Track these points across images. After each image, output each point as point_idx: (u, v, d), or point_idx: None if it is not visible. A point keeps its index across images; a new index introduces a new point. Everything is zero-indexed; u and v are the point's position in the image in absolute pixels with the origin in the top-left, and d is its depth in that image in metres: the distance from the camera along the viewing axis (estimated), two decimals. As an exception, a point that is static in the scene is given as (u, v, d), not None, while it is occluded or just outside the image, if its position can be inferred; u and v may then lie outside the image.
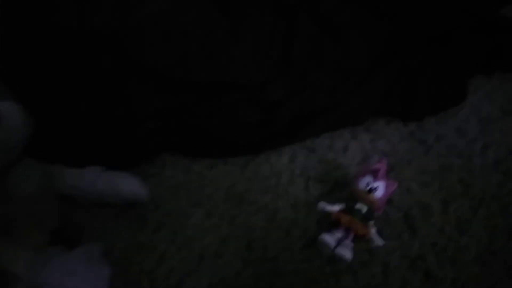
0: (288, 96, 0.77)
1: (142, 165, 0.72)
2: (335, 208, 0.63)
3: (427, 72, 0.81)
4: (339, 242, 0.61)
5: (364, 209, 0.62)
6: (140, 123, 0.74)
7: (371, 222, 0.62)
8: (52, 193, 0.63)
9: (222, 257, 0.63)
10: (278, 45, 0.80)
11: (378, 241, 0.61)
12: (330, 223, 0.63)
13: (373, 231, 0.62)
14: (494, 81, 0.85)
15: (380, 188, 0.63)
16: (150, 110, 0.74)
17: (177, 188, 0.69)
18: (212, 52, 0.77)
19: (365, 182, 0.63)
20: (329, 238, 0.60)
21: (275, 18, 0.82)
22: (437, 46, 0.83)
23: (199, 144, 0.72)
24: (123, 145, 0.73)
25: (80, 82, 0.74)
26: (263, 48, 0.80)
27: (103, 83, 0.74)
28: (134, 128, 0.74)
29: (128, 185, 0.65)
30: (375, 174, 0.64)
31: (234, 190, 0.68)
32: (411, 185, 0.71)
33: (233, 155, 0.71)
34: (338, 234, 0.61)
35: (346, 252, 0.59)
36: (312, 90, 0.78)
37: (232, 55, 0.77)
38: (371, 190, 0.62)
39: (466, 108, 0.81)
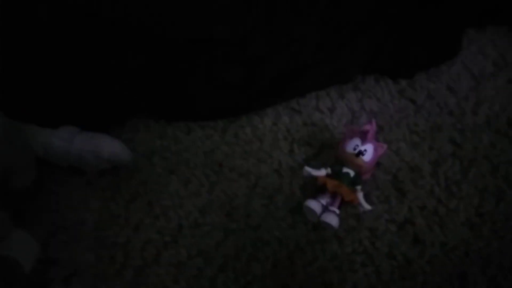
0: (271, 52, 0.70)
1: (113, 129, 0.67)
2: (321, 172, 0.59)
3: (418, 27, 0.76)
4: (325, 209, 0.58)
5: (352, 173, 0.59)
6: (113, 82, 0.68)
7: (359, 187, 0.59)
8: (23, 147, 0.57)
9: (201, 227, 0.60)
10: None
11: (366, 206, 0.59)
12: (316, 188, 0.60)
13: (360, 196, 0.59)
14: (487, 35, 0.81)
15: (368, 151, 0.59)
16: (124, 70, 0.69)
17: (151, 154, 0.64)
18: (189, 6, 0.70)
19: (353, 144, 0.59)
20: (315, 205, 0.57)
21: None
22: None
23: (175, 106, 0.67)
24: (95, 105, 0.68)
25: (52, 40, 0.67)
26: (244, -1, 0.74)
27: (77, 41, 0.68)
28: (107, 87, 0.68)
29: (110, 146, 0.60)
30: (363, 136, 0.60)
31: (213, 155, 0.64)
32: (400, 146, 0.68)
33: (212, 118, 0.67)
34: (324, 200, 0.58)
35: (332, 219, 0.57)
36: (298, 45, 0.72)
37: (210, 8, 0.71)
38: (359, 154, 0.59)
39: (458, 64, 0.77)
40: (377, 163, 0.65)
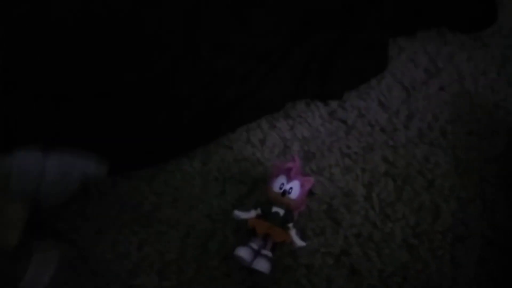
0: (195, 91, 0.70)
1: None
2: (250, 215, 0.58)
3: (344, 44, 0.75)
4: (257, 253, 0.57)
5: (281, 212, 0.58)
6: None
7: (291, 225, 0.58)
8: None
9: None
10: (180, 32, 0.73)
11: (299, 244, 0.57)
12: (247, 231, 0.58)
13: (293, 234, 0.58)
14: (417, 41, 0.80)
15: (295, 188, 0.58)
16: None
17: (75, 213, 0.62)
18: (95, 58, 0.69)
19: (278, 183, 0.58)
20: (244, 252, 0.56)
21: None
22: (352, 14, 0.77)
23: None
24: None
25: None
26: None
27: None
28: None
29: (83, 161, 0.56)
30: (288, 173, 0.59)
31: (141, 208, 0.62)
32: (333, 172, 0.67)
33: (137, 167, 0.65)
34: (256, 244, 0.57)
35: (262, 265, 0.55)
36: (221, 80, 0.71)
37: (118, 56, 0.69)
38: (285, 193, 0.58)
39: (389, 77, 0.76)
40: (311, 193, 0.64)
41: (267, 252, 0.57)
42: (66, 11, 0.69)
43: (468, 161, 0.66)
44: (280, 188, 0.58)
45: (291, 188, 0.58)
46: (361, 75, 0.75)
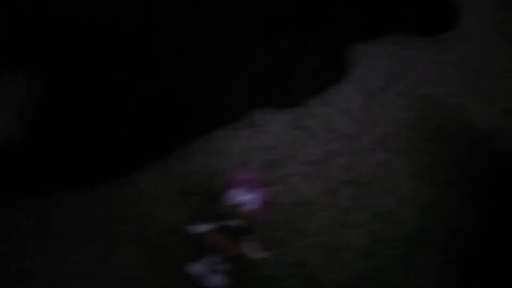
0: (150, 101, 0.68)
1: None
2: (205, 228, 0.57)
3: (304, 51, 0.75)
4: (212, 269, 0.56)
5: (238, 225, 0.57)
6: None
7: (248, 237, 0.57)
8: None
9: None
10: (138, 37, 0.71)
11: (255, 256, 0.57)
12: (202, 246, 0.57)
13: (249, 246, 0.57)
14: (377, 46, 0.80)
15: (252, 200, 0.57)
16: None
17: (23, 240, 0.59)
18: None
19: (235, 196, 0.57)
20: (197, 269, 0.55)
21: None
22: (314, 21, 0.77)
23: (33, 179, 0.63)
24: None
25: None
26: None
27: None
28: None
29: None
30: (245, 186, 0.58)
31: (91, 225, 0.60)
32: (295, 180, 0.67)
33: (88, 184, 0.63)
34: (209, 260, 0.56)
35: (217, 280, 0.54)
36: (178, 89, 0.69)
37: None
38: (242, 205, 0.57)
39: (350, 83, 0.77)
40: (273, 203, 0.63)
41: (224, 266, 0.56)
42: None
43: (427, 166, 0.67)
44: (237, 201, 0.57)
45: (248, 200, 0.57)
46: (323, 82, 0.76)
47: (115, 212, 0.62)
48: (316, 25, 0.76)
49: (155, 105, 0.67)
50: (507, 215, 0.62)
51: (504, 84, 0.76)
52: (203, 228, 0.57)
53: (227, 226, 0.57)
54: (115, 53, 0.66)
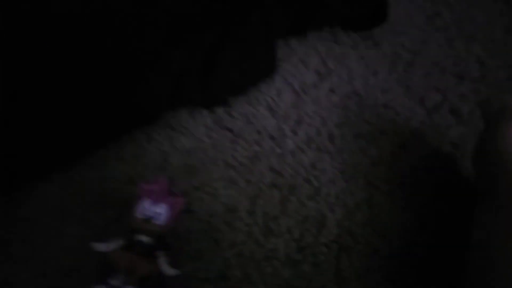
0: (63, 106, 0.61)
1: None
2: (111, 246, 0.51)
3: (227, 45, 0.71)
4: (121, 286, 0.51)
5: (147, 240, 0.51)
6: None
7: (160, 253, 0.52)
8: None
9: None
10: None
11: (169, 272, 0.51)
12: (108, 265, 0.52)
13: (161, 262, 0.51)
14: (308, 42, 0.77)
15: (162, 212, 0.52)
16: None
17: None
18: None
19: (142, 208, 0.52)
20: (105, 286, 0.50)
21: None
22: (239, 13, 0.72)
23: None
24: None
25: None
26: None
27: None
28: None
29: None
30: (155, 196, 0.53)
31: None
32: (217, 187, 0.62)
33: None
34: (116, 281, 0.50)
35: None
36: (82, 89, 0.62)
37: None
38: (150, 219, 0.52)
39: (279, 79, 0.72)
40: (188, 211, 0.59)
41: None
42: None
43: (355, 165, 0.64)
44: (145, 214, 0.52)
45: (157, 212, 0.52)
46: (248, 79, 0.71)
47: (16, 228, 0.55)
48: (242, 18, 0.72)
49: (63, 108, 0.60)
50: (435, 214, 0.60)
51: (435, 79, 0.75)
52: (109, 245, 0.51)
53: (135, 242, 0.52)
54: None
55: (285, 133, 0.67)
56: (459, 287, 0.50)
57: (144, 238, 0.51)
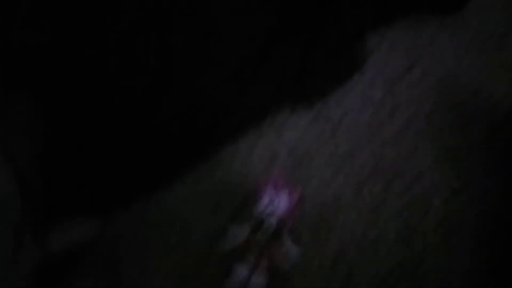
0: (173, 111, 0.70)
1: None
2: (244, 231, 0.59)
3: (320, 44, 0.75)
4: (251, 271, 0.58)
5: (273, 226, 0.59)
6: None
7: (284, 237, 0.59)
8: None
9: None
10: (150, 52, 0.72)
11: (294, 252, 0.59)
12: (241, 250, 0.60)
13: (287, 244, 0.59)
14: (396, 29, 0.79)
15: (282, 202, 0.59)
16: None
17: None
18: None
19: (265, 199, 0.59)
20: (240, 272, 0.57)
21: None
22: (325, 15, 0.76)
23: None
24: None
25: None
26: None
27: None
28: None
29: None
30: (273, 188, 0.59)
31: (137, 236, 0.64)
32: (323, 175, 0.67)
33: (130, 201, 0.66)
34: (250, 262, 0.57)
35: (258, 282, 0.57)
36: (197, 96, 0.70)
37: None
38: (273, 209, 0.59)
39: (371, 69, 0.75)
40: (303, 198, 0.65)
41: (263, 267, 0.58)
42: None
43: (454, 149, 0.66)
44: (268, 204, 0.59)
45: (278, 202, 0.59)
46: (341, 73, 0.75)
47: (159, 224, 0.64)
48: (326, 21, 0.75)
49: (178, 119, 0.69)
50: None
51: (531, 53, 0.74)
52: (242, 231, 0.59)
53: (263, 228, 0.59)
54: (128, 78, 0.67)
55: (382, 120, 0.70)
56: None
57: (270, 224, 0.59)
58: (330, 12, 0.73)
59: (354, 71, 0.73)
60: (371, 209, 0.63)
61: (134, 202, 0.64)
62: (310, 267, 0.61)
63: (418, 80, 0.74)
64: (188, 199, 0.66)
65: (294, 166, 0.68)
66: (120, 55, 0.68)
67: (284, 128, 0.72)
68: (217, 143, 0.70)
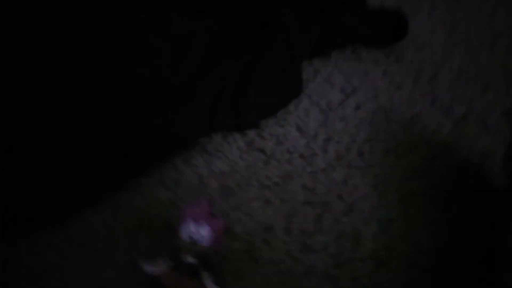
0: (95, 135, 0.65)
1: None
2: (161, 267, 0.54)
3: (255, 70, 0.74)
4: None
5: (193, 261, 0.54)
6: None
7: (205, 274, 0.55)
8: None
9: None
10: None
11: (214, 292, 0.55)
12: (157, 286, 0.55)
13: (207, 282, 0.54)
14: (332, 61, 0.80)
15: (205, 234, 0.55)
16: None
17: None
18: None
19: (187, 230, 0.55)
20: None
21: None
22: (263, 40, 0.75)
23: None
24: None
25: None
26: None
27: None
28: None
29: None
30: (197, 218, 0.56)
31: (36, 271, 0.57)
32: (253, 206, 0.64)
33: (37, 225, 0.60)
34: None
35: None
36: (125, 120, 0.66)
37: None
38: (195, 240, 0.55)
39: (306, 100, 0.75)
40: (227, 233, 0.61)
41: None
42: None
43: (386, 180, 0.65)
44: (191, 236, 0.55)
45: (201, 234, 0.55)
46: (277, 101, 0.74)
47: (66, 253, 0.59)
48: (267, 44, 0.75)
49: (104, 139, 0.65)
50: (468, 226, 0.61)
51: (459, 90, 0.76)
52: (158, 267, 0.54)
53: (183, 264, 0.55)
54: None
55: (315, 151, 0.69)
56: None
57: (191, 259, 0.54)
58: (270, 37, 0.73)
59: (292, 97, 0.73)
60: (300, 244, 0.60)
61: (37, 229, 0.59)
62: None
63: (353, 111, 0.74)
64: (101, 231, 0.61)
65: (222, 195, 0.64)
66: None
67: (214, 156, 0.69)
68: (138, 169, 0.65)
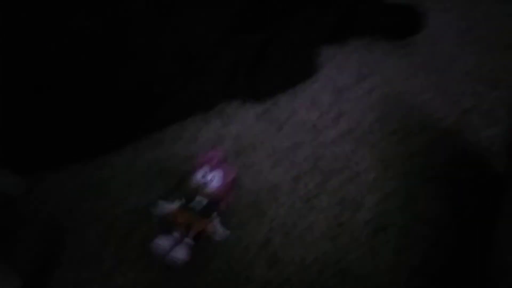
0: (123, 88, 0.69)
1: None
2: (173, 206, 0.58)
3: (275, 47, 0.78)
4: (176, 243, 0.56)
5: (204, 201, 0.58)
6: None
7: (213, 214, 0.58)
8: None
9: None
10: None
11: (220, 233, 0.57)
12: (169, 223, 0.58)
13: (214, 223, 0.58)
14: (346, 49, 0.83)
15: (216, 178, 0.59)
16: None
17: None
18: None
19: (200, 174, 0.59)
20: (163, 242, 0.55)
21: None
22: (284, 18, 0.80)
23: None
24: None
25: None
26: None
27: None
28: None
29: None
30: (210, 164, 0.59)
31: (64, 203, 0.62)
32: (263, 165, 0.68)
33: (66, 162, 0.64)
34: (175, 235, 0.56)
35: (179, 253, 0.55)
36: (149, 79, 0.70)
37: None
38: (205, 184, 0.58)
39: (320, 80, 0.79)
40: (239, 186, 0.65)
41: (188, 240, 0.56)
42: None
43: (391, 158, 0.68)
44: (202, 178, 0.59)
45: (213, 176, 0.59)
46: (291, 77, 0.78)
47: (88, 190, 0.63)
48: (287, 22, 0.79)
49: (130, 92, 0.69)
50: (465, 204, 0.64)
51: (466, 84, 0.80)
52: (171, 204, 0.58)
53: (193, 203, 0.58)
54: (88, 44, 0.68)
55: (323, 126, 0.73)
56: (487, 264, 0.53)
57: (202, 200, 0.58)
58: (292, 15, 0.77)
59: (306, 76, 0.77)
60: (305, 201, 0.64)
61: (68, 163, 0.63)
62: (235, 250, 0.59)
63: (365, 93, 0.77)
64: (125, 172, 0.65)
65: (236, 154, 0.68)
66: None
67: (232, 119, 0.73)
68: (161, 123, 0.69)
